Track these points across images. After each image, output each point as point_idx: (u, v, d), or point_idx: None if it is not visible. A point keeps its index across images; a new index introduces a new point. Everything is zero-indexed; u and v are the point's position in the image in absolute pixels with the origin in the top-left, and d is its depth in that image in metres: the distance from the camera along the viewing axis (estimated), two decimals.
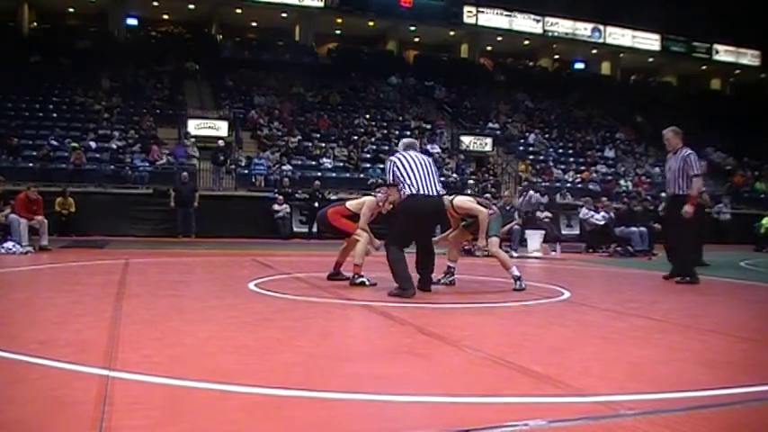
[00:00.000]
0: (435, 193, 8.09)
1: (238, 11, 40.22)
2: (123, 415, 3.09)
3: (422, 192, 7.93)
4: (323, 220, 9.47)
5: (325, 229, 9.97)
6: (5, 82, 29.38)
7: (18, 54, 32.48)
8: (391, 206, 8.69)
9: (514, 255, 16.10)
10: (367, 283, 8.73)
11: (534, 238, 17.68)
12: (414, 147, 8.74)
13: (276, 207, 22.25)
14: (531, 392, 3.68)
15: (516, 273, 8.69)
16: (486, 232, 8.79)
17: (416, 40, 44.78)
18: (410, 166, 8.05)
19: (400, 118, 34.41)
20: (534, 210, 20.45)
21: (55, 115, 28.50)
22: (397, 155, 8.34)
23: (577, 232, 22.69)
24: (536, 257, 16.23)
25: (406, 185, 7.97)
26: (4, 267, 10.81)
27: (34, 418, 3.07)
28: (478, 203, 8.97)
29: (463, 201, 9.09)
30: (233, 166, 25.98)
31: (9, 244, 13.53)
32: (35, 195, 14.82)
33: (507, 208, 17.10)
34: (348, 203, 9.47)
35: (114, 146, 25.60)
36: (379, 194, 9.49)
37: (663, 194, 14.77)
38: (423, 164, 8.16)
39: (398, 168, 8.08)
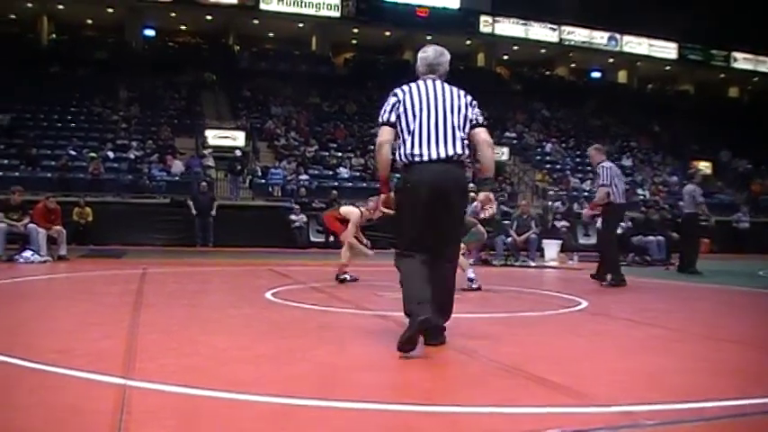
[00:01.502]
0: (445, 157, 4.95)
1: (255, 21, 40.38)
2: (140, 424, 3.09)
3: (423, 156, 4.95)
4: (321, 220, 10.96)
5: (323, 229, 11.38)
6: (25, 93, 29.65)
7: (37, 65, 32.82)
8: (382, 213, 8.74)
9: (532, 264, 16.04)
10: (344, 276, 9.89)
11: (551, 248, 17.62)
12: (438, 68, 5.33)
13: (293, 217, 22.28)
14: (548, 402, 3.64)
15: (471, 275, 9.27)
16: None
17: None
18: (418, 109, 5.07)
19: None
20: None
21: (73, 125, 28.74)
22: (403, 87, 5.24)
23: (595, 242, 22.58)
24: (553, 267, 16.16)
25: (402, 145, 5.08)
26: (23, 276, 10.85)
27: (52, 427, 3.07)
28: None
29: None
30: (250, 176, 26.06)
31: (28, 253, 13.59)
32: (53, 205, 14.89)
33: (524, 217, 17.07)
34: (341, 209, 10.42)
35: (132, 156, 25.76)
36: (369, 203, 9.94)
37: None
38: (441, 106, 5.09)
39: (398, 111, 5.14)
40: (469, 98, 5.22)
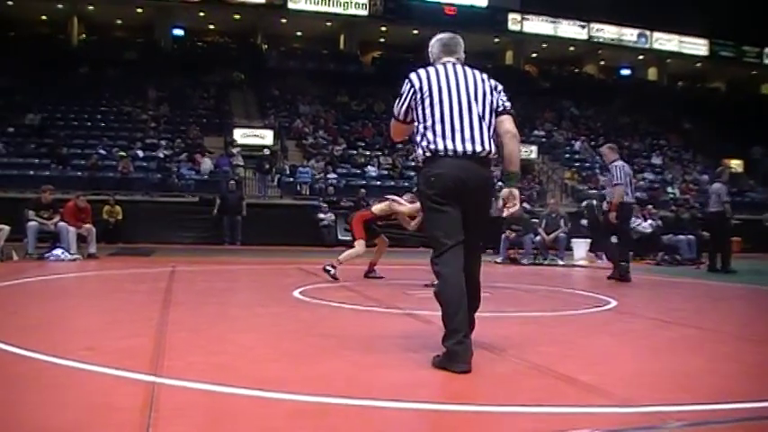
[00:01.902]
0: (472, 152, 4.42)
1: (283, 20, 40.48)
2: (169, 422, 3.09)
3: (448, 150, 4.41)
4: (348, 219, 10.90)
5: (348, 228, 10.94)
6: (55, 93, 29.92)
7: (67, 65, 33.10)
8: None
9: (561, 263, 15.94)
10: (332, 271, 9.95)
11: (580, 247, 17.49)
12: (458, 50, 4.88)
13: (321, 215, 22.32)
14: (577, 402, 3.61)
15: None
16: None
17: None
18: (437, 98, 4.50)
19: None
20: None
21: (103, 125, 28.98)
22: (419, 71, 4.66)
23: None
24: (582, 266, 16.04)
25: (424, 137, 4.49)
26: (53, 274, 10.94)
27: (81, 423, 3.09)
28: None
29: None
30: (278, 175, 26.12)
31: (58, 251, 13.70)
32: (84, 204, 15.00)
33: (553, 216, 16.96)
34: (374, 208, 10.24)
35: (161, 155, 25.94)
36: (406, 196, 9.94)
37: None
38: (464, 93, 4.54)
39: (416, 100, 4.55)
40: (493, 82, 4.72)
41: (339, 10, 39.87)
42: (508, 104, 4.67)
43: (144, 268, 12.37)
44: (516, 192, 4.54)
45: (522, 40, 43.87)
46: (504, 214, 4.67)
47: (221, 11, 39.53)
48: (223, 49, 40.86)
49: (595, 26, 43.98)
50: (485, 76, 4.71)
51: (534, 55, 45.96)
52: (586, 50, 45.61)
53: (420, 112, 4.49)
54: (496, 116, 4.60)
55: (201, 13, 39.75)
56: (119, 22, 40.60)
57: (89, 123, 28.94)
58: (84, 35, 39.81)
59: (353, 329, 5.93)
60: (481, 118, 4.49)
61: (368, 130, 31.77)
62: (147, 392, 3.55)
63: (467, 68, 4.68)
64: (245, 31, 41.38)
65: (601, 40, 44.58)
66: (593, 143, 35.28)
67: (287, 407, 3.42)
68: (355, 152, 29.08)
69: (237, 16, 40.06)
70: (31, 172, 22.87)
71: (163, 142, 27.31)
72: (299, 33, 42.70)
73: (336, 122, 32.08)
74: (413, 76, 4.60)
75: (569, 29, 43.80)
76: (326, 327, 6.07)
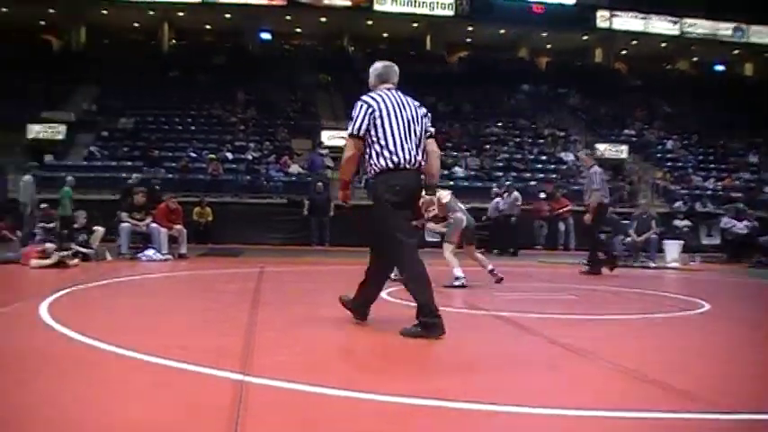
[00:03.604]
0: (416, 164, 5.52)
1: (369, 22, 40.70)
2: (258, 420, 3.14)
3: (401, 163, 5.43)
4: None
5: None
6: (147, 97, 30.70)
7: (158, 70, 33.93)
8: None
9: (652, 265, 15.56)
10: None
11: (672, 248, 17.04)
12: (393, 77, 5.88)
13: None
14: (668, 407, 3.53)
15: (458, 273, 9.42)
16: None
17: (548, 46, 44.17)
18: (390, 118, 5.48)
19: (533, 126, 33.99)
20: (511, 210, 19.99)
21: (193, 128, 29.58)
22: (371, 95, 5.64)
23: (718, 242, 21.75)
24: (674, 268, 15.63)
25: (382, 152, 5.46)
26: (146, 274, 11.17)
27: (172, 420, 3.15)
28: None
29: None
30: (365, 176, 26.17)
31: (150, 252, 13.96)
32: (175, 205, 15.26)
33: (644, 217, 16.58)
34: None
35: (250, 157, 26.28)
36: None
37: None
38: (407, 115, 5.57)
39: (373, 119, 5.49)
40: (424, 109, 5.73)
41: (425, 11, 39.86)
42: (432, 129, 5.76)
43: (233, 269, 12.52)
44: (435, 199, 5.90)
45: (612, 38, 43.00)
46: (427, 216, 6.09)
47: (308, 14, 39.91)
48: (310, 51, 41.22)
49: (688, 21, 42.71)
50: (417, 102, 5.75)
51: (624, 52, 45.06)
52: (678, 46, 44.41)
53: (379, 130, 5.44)
54: (426, 138, 5.66)
55: (288, 17, 40.21)
56: (208, 27, 41.46)
57: (180, 127, 29.59)
58: (174, 41, 40.80)
59: None
60: (420, 137, 5.56)
61: (455, 131, 31.64)
62: (236, 391, 3.60)
63: (401, 95, 5.69)
64: (331, 33, 41.75)
65: (693, 35, 43.25)
66: (685, 142, 34.48)
67: (376, 407, 3.42)
68: (442, 153, 28.84)
69: (324, 19, 40.40)
70: (124, 174, 23.39)
71: (251, 144, 27.70)
72: (385, 35, 42.85)
73: None
74: (368, 98, 5.56)
75: (660, 24, 42.72)
76: None
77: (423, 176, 5.59)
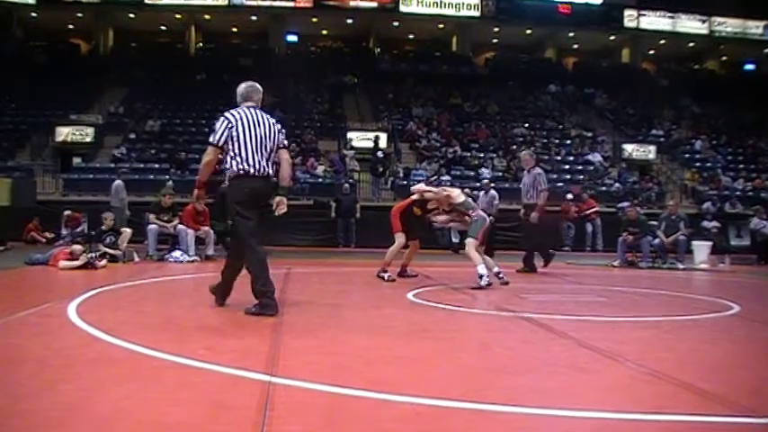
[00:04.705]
0: (266, 174, 6.64)
1: (395, 24, 40.70)
2: (284, 420, 3.16)
3: (250, 171, 6.48)
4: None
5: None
6: (174, 100, 30.95)
7: (185, 73, 34.15)
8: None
9: (680, 267, 15.41)
10: (386, 276, 10.74)
11: (701, 250, 16.87)
12: (254, 96, 6.89)
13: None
14: (698, 411, 3.51)
15: (482, 271, 9.24)
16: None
17: (575, 46, 43.92)
18: (245, 132, 6.51)
19: (560, 126, 33.90)
20: (488, 209, 19.70)
21: None
22: (232, 112, 6.64)
23: (748, 243, 21.53)
24: (703, 269, 15.47)
25: (236, 159, 6.49)
26: (173, 275, 11.22)
27: (199, 420, 3.18)
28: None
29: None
30: (392, 178, 26.18)
31: (177, 253, 14.03)
32: (202, 207, 15.28)
33: (672, 218, 16.43)
34: (413, 196, 11.09)
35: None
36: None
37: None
38: (261, 131, 6.59)
39: (231, 132, 6.50)
40: (279, 126, 6.84)
41: (451, 12, 39.80)
42: (286, 142, 6.92)
43: None
44: (285, 200, 6.75)
45: (639, 37, 42.65)
46: (277, 214, 6.74)
47: (334, 16, 39.99)
48: (336, 53, 41.35)
49: (717, 20, 42.24)
50: (273, 120, 6.80)
51: (652, 52, 44.63)
52: (707, 46, 43.96)
53: (235, 142, 6.46)
54: (279, 150, 6.83)
55: (314, 19, 40.31)
56: (234, 29, 41.67)
57: (206, 129, 29.58)
58: (201, 43, 41.08)
59: (468, 333, 5.94)
60: (271, 150, 6.66)
61: (481, 131, 31.62)
62: (262, 391, 3.63)
63: (260, 112, 6.70)
64: (357, 35, 41.83)
65: (723, 34, 42.82)
66: (714, 142, 34.18)
67: (402, 409, 3.42)
68: (469, 154, 28.96)
69: (350, 21, 40.50)
70: (152, 176, 23.53)
71: None
72: (411, 36, 42.85)
73: (449, 124, 32.01)
74: (228, 115, 6.59)
75: (689, 24, 42.28)
76: (441, 329, 6.09)
77: (276, 181, 6.80)
